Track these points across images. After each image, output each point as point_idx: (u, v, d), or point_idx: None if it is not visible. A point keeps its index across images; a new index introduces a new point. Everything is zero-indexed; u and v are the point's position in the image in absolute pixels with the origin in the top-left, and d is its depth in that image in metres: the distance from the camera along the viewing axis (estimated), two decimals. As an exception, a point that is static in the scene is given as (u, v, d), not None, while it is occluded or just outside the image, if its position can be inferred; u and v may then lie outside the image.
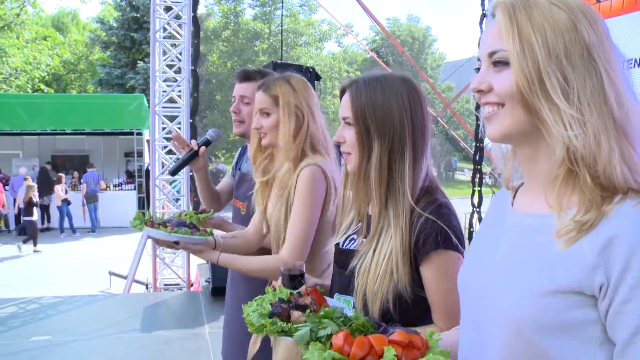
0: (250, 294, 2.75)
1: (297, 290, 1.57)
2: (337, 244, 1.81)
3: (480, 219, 8.83)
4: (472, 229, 8.76)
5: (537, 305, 0.99)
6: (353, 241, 1.74)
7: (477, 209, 8.72)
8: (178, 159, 2.92)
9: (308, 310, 1.40)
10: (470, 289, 1.19)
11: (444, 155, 35.92)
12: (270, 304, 1.47)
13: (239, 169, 3.00)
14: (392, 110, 1.57)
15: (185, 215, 2.73)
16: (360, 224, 1.72)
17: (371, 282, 1.55)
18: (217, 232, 2.49)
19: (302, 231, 2.17)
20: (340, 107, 1.69)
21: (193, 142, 2.85)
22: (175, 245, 2.25)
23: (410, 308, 1.54)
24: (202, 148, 2.82)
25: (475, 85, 1.07)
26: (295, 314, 1.40)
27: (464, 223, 10.74)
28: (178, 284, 7.63)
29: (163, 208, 7.64)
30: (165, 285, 7.66)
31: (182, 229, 2.27)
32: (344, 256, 1.73)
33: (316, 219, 2.20)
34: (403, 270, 1.53)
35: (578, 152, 0.96)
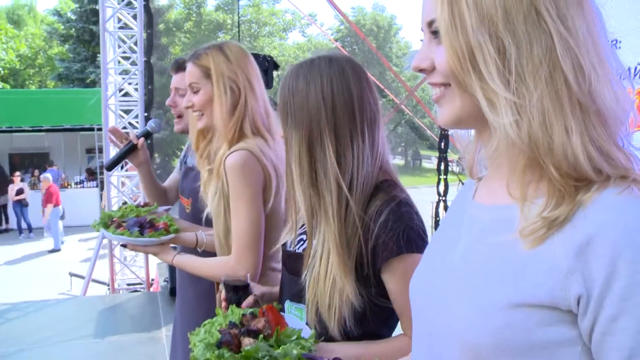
0: (197, 298, 2.59)
1: (251, 311, 1.40)
2: (284, 245, 1.62)
3: (446, 208, 8.79)
4: (438, 218, 8.71)
5: (498, 322, 0.79)
6: (302, 242, 1.55)
7: (443, 198, 8.67)
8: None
9: (261, 336, 1.25)
10: (423, 296, 1.00)
11: (410, 144, 36.04)
12: (219, 330, 1.29)
13: (185, 163, 2.78)
14: (309, 96, 1.39)
15: (126, 209, 2.52)
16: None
17: (323, 295, 1.38)
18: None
19: (247, 232, 1.91)
20: None
21: (131, 133, 2.62)
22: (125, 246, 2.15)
23: (371, 317, 1.39)
24: (141, 140, 2.60)
25: (417, 64, 0.88)
26: (246, 341, 1.24)
27: (430, 212, 10.72)
28: (140, 284, 7.39)
29: (124, 205, 7.37)
30: (127, 284, 7.41)
31: (132, 230, 2.09)
32: (292, 260, 1.56)
33: (259, 213, 1.94)
34: (355, 279, 1.36)
35: (516, 143, 0.78)
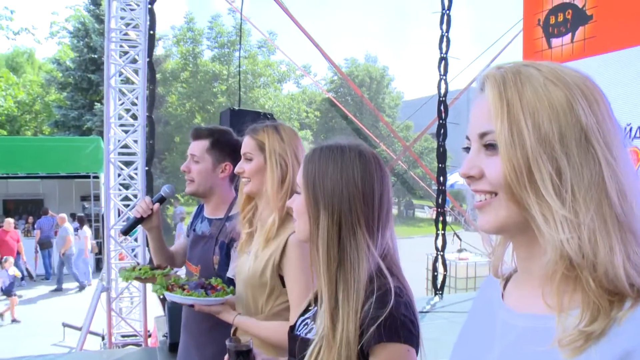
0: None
1: None
2: (292, 327, 1.65)
3: (444, 263, 8.83)
4: (436, 273, 8.74)
5: None
6: (306, 326, 1.60)
7: (441, 253, 8.72)
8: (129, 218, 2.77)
9: None
10: None
11: (403, 194, 36.22)
12: None
13: (194, 230, 2.86)
14: (342, 186, 1.46)
15: (140, 270, 2.59)
16: (316, 307, 1.57)
17: None
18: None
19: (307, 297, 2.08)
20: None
21: (147, 198, 2.73)
22: (192, 307, 2.25)
23: None
24: (156, 205, 2.70)
25: (465, 171, 0.95)
26: None
27: (426, 264, 10.68)
28: (136, 336, 7.33)
29: (121, 258, 7.37)
30: (122, 336, 7.36)
31: (197, 291, 2.24)
32: (296, 343, 1.58)
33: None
34: None
35: (571, 257, 0.84)
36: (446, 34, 8.46)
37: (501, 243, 1.04)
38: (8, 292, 11.61)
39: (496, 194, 0.92)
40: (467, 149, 0.97)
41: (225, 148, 2.75)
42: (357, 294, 1.39)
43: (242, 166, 2.30)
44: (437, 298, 8.53)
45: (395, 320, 1.35)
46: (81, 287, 14.25)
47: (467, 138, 0.97)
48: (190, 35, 32.14)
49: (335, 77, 40.00)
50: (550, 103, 0.86)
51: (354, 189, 1.45)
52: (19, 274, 12.76)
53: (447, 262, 9.22)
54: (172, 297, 2.27)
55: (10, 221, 13.75)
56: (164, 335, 6.28)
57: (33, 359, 6.08)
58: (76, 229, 17.22)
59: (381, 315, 1.34)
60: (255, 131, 2.27)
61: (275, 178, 2.16)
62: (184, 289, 2.30)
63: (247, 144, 2.29)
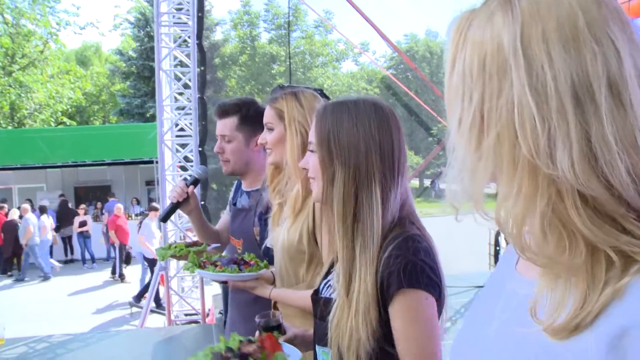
0: (248, 334, 2.62)
1: (250, 338, 1.54)
2: (316, 291, 1.64)
3: (506, 238, 8.55)
4: (498, 248, 8.50)
5: None
6: (329, 288, 1.56)
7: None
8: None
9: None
10: None
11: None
12: (212, 353, 1.45)
13: (234, 205, 2.83)
14: (358, 137, 1.41)
15: (175, 248, 2.58)
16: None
17: (344, 335, 1.36)
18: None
19: None
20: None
21: (182, 182, 2.70)
22: (225, 283, 2.23)
23: None
24: (191, 188, 2.66)
25: None
26: None
27: (488, 239, 10.46)
28: (196, 314, 7.52)
29: (183, 238, 7.54)
30: (185, 314, 7.57)
31: (230, 267, 2.19)
32: (319, 305, 1.56)
33: None
34: (377, 320, 1.33)
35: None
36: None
37: None
38: None
39: None
40: None
41: (256, 121, 2.61)
42: (374, 246, 1.36)
43: (264, 137, 2.23)
44: (498, 273, 8.32)
45: (414, 266, 1.32)
46: (45, 278, 13.90)
47: None
48: (247, 18, 32.42)
49: (395, 54, 39.51)
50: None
51: (370, 141, 1.40)
52: None
53: (509, 236, 8.97)
54: (205, 274, 2.24)
55: (120, 206, 14.15)
56: (220, 312, 6.41)
57: (96, 335, 6.33)
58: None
59: (401, 262, 1.31)
60: (275, 100, 2.18)
61: (294, 146, 2.07)
62: (216, 266, 2.25)
63: (267, 113, 2.21)
